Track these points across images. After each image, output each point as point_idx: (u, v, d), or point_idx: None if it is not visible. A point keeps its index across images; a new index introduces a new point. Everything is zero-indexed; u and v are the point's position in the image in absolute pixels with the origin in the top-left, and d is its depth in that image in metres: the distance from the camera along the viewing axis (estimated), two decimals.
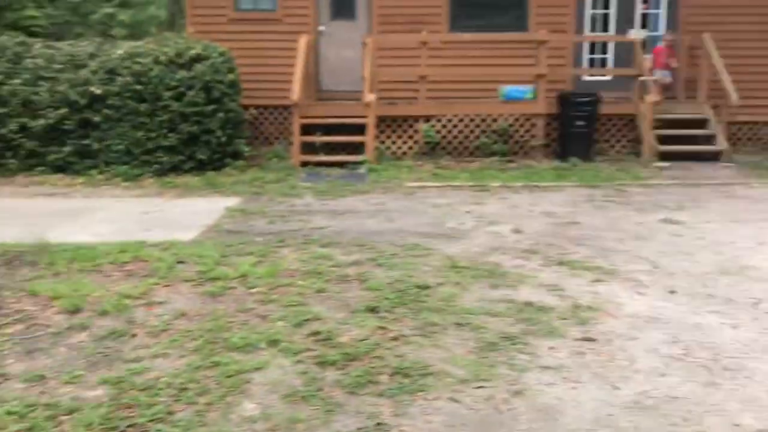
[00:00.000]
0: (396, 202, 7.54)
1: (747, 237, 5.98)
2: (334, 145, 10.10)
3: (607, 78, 11.67)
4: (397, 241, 5.85)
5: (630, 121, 10.68)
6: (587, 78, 11.79)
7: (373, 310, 4.17)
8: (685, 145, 10.46)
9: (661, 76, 11.14)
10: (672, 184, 8.49)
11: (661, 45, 11.17)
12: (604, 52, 11.74)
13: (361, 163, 9.58)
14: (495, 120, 10.51)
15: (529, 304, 4.29)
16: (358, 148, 9.87)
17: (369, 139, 9.87)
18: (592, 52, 11.75)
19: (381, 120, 10.47)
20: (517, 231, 6.27)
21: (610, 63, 11.74)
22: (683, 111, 10.76)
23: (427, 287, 4.57)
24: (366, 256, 5.37)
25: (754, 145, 11.52)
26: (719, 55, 10.91)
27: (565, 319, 4.06)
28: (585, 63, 11.78)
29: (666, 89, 11.21)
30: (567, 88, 11.48)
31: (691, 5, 11.38)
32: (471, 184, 8.55)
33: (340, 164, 9.61)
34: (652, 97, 10.01)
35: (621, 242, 5.85)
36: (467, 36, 11.02)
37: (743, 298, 4.46)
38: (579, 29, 11.59)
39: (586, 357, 3.56)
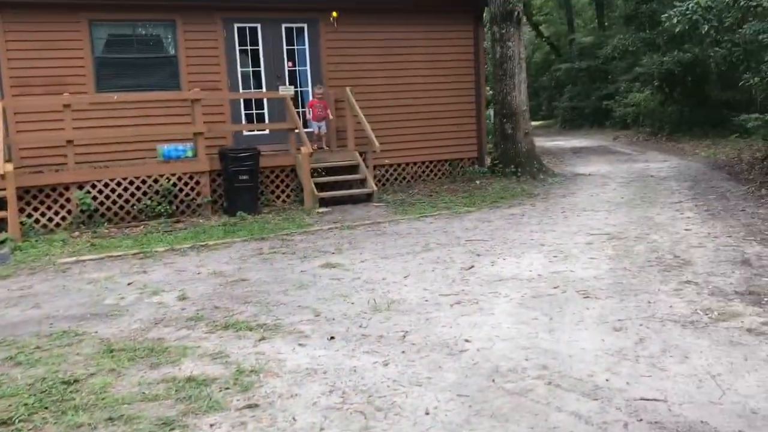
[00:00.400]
0: (45, 284, 6.74)
1: (395, 272, 6.59)
2: None
3: (266, 132, 12.10)
4: (44, 331, 5.18)
5: (291, 171, 11.18)
6: (247, 133, 12.08)
7: (5, 423, 3.57)
8: (340, 190, 11.31)
9: (317, 127, 11.93)
10: (332, 228, 9.05)
11: (314, 99, 11.98)
12: (261, 107, 12.16)
13: (2, 242, 8.42)
14: (157, 181, 10.13)
15: (191, 379, 4.09)
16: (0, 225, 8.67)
17: (11, 214, 8.75)
18: (248, 108, 12.09)
19: (26, 191, 9.38)
20: (182, 298, 6.03)
21: (266, 118, 12.20)
22: (337, 159, 11.63)
23: (75, 381, 4.09)
24: (2, 355, 4.64)
25: (400, 184, 12.95)
26: (360, 106, 12.13)
27: (228, 388, 3.95)
28: (243, 119, 12.05)
29: (319, 139, 12.03)
30: (228, 144, 11.64)
31: (332, 63, 12.43)
32: (134, 251, 8.05)
33: None
34: (307, 148, 10.61)
35: (285, 293, 5.98)
36: (117, 96, 10.52)
37: (393, 332, 4.85)
38: (233, 87, 11.85)
39: (248, 427, 3.49)
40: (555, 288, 5.79)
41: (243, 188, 10.34)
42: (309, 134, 11.92)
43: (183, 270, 7.11)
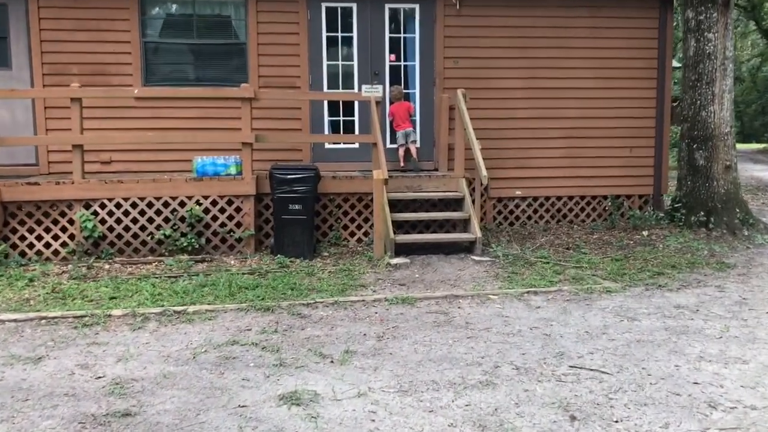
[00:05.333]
0: None
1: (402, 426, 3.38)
2: None
3: (355, 145, 9.24)
4: None
5: (372, 200, 8.19)
6: (331, 146, 9.31)
7: None
8: (432, 234, 8.15)
9: (404, 140, 8.88)
10: (383, 300, 5.94)
11: (395, 102, 8.97)
12: (350, 113, 9.33)
13: None
14: (184, 204, 7.69)
15: None
16: None
17: None
18: (334, 113, 9.31)
19: (19, 207, 7.40)
20: None
21: (357, 127, 9.34)
22: (434, 187, 8.45)
23: None
24: None
25: (534, 225, 9.43)
26: (485, 116, 8.93)
27: None
28: (327, 127, 9.29)
29: (409, 157, 8.97)
30: (306, 159, 8.96)
31: (450, 57, 9.27)
32: (81, 313, 5.57)
33: None
34: (381, 172, 7.57)
35: None
36: (138, 91, 8.27)
37: None
38: (316, 85, 9.14)
39: None
40: None
41: (292, 222, 7.55)
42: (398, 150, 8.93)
43: (84, 366, 4.44)
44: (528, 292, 6.19)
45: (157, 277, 6.80)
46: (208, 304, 5.87)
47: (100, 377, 4.26)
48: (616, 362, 4.42)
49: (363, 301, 5.92)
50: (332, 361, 4.48)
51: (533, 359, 4.48)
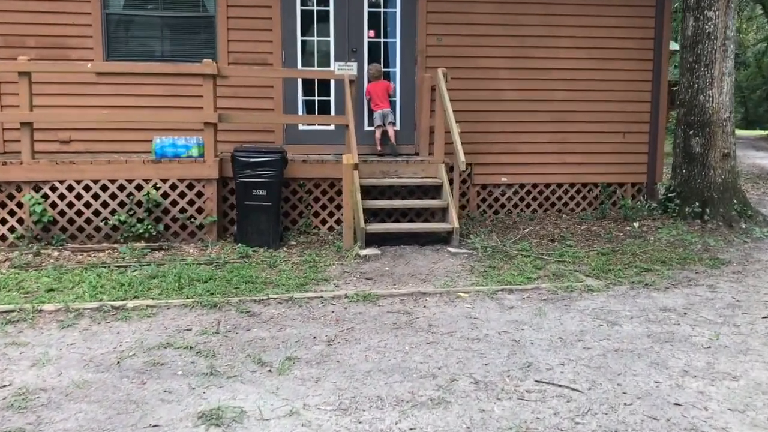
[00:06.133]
0: None
1: None
2: None
3: (331, 127, 8.69)
4: None
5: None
6: (305, 128, 8.76)
7: None
8: (407, 223, 7.65)
9: (381, 121, 8.35)
10: (342, 297, 5.44)
11: (372, 81, 8.44)
12: (326, 93, 8.78)
13: None
14: (141, 188, 7.17)
15: None
16: None
17: None
18: (309, 92, 8.75)
19: None
20: None
21: (332, 107, 8.79)
22: (411, 173, 7.92)
23: None
24: None
25: (520, 215, 8.91)
26: (470, 97, 8.43)
27: None
28: (300, 107, 8.74)
29: (386, 140, 8.44)
30: (278, 142, 8.44)
31: (433, 34, 8.69)
32: (6, 308, 5.08)
33: None
34: (350, 156, 7.04)
35: None
36: (91, 65, 7.74)
37: None
38: (290, 61, 8.59)
39: None
40: None
41: (256, 209, 7.04)
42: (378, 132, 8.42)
43: None
44: (502, 290, 5.68)
45: (105, 267, 6.30)
46: (152, 298, 5.38)
47: (4, 386, 3.78)
48: (588, 376, 3.92)
49: (321, 298, 5.42)
50: (270, 370, 3.99)
51: (496, 371, 3.99)
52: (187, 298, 5.38)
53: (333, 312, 5.10)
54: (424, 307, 5.26)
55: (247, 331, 4.66)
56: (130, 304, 5.19)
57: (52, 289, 5.58)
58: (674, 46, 15.51)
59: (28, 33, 8.07)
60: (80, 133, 8.20)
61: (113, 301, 5.25)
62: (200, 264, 6.44)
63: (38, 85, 7.79)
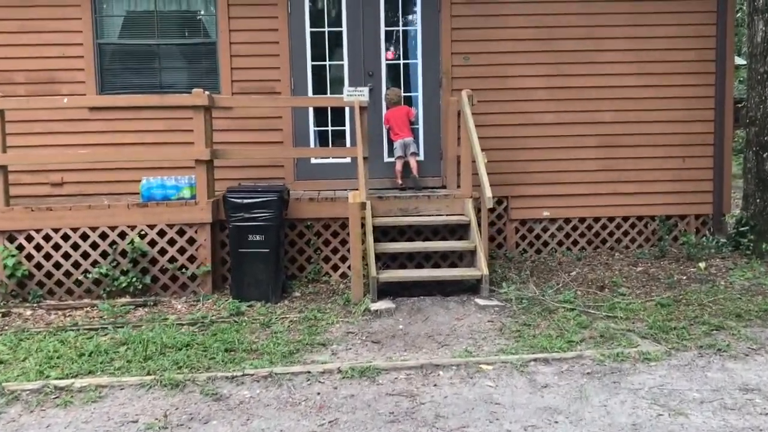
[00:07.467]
0: None
1: None
2: None
3: (347, 160, 7.77)
4: None
5: (362, 226, 6.68)
6: (317, 161, 7.88)
7: None
8: (430, 270, 6.63)
9: (402, 151, 7.40)
10: (332, 374, 4.43)
11: (391, 107, 7.52)
12: (341, 122, 7.88)
13: None
14: (125, 235, 6.36)
15: None
16: None
17: None
18: (322, 123, 7.87)
19: None
20: None
21: (347, 137, 7.88)
22: (436, 210, 6.90)
23: None
24: None
25: (565, 254, 7.76)
26: (501, 122, 7.51)
27: None
28: (312, 138, 7.86)
29: (408, 172, 7.48)
30: (288, 179, 7.58)
31: (458, 53, 7.74)
32: None
33: None
34: (357, 194, 6.08)
35: None
36: (68, 100, 7.06)
37: None
38: (299, 89, 7.75)
39: None
40: None
41: (252, 256, 6.14)
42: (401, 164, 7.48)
43: None
44: (536, 360, 4.58)
45: (74, 330, 5.47)
46: (109, 374, 4.49)
47: None
48: None
49: (308, 373, 4.42)
50: None
51: None
52: (149, 374, 4.46)
53: (319, 394, 4.10)
54: (435, 386, 4.20)
55: (204, 425, 3.70)
56: (79, 383, 4.31)
57: (0, 362, 4.76)
58: (737, 60, 14.11)
59: (15, 68, 7.46)
60: (73, 174, 7.50)
61: (61, 379, 4.38)
62: (182, 324, 5.55)
63: (24, 123, 7.17)
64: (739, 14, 12.93)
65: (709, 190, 8.01)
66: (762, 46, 7.33)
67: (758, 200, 7.50)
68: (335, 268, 6.96)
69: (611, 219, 8.02)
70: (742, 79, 15.35)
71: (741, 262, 7.22)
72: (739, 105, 13.12)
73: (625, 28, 7.79)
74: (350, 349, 4.95)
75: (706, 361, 4.52)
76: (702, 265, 7.07)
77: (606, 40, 7.78)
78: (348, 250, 6.89)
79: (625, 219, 8.04)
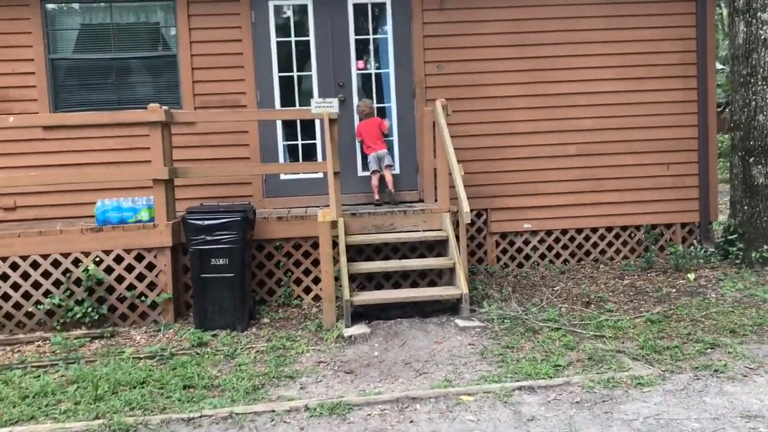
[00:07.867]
0: None
1: None
2: None
3: (319, 175, 7.40)
4: None
5: (334, 245, 6.29)
6: (286, 176, 7.50)
7: None
8: (406, 290, 6.27)
9: (377, 165, 7.06)
10: (299, 411, 4.04)
11: (363, 119, 7.19)
12: (311, 136, 7.52)
13: None
14: (79, 263, 5.94)
15: None
16: None
17: None
18: (291, 136, 7.50)
19: None
20: None
21: (319, 152, 7.52)
22: (412, 225, 6.54)
23: None
24: None
25: (548, 267, 7.44)
26: (479, 132, 7.22)
27: None
28: (281, 153, 7.49)
29: (383, 186, 7.12)
30: (256, 196, 7.20)
31: (432, 61, 7.41)
32: None
33: None
34: (326, 212, 5.71)
35: None
36: (13, 119, 6.65)
37: None
38: (265, 101, 7.38)
39: None
40: None
41: (216, 282, 5.73)
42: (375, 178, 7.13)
43: None
44: (520, 389, 4.22)
45: (21, 368, 5.03)
46: (53, 418, 4.07)
47: None
48: None
49: (273, 411, 4.03)
50: None
51: None
52: (97, 417, 4.05)
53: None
54: (411, 422, 3.82)
55: None
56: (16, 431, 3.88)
57: None
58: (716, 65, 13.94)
59: None
60: (26, 197, 7.07)
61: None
62: (140, 358, 5.13)
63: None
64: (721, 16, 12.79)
65: (695, 197, 7.74)
66: (744, 47, 7.10)
67: (746, 207, 7.23)
68: (307, 290, 6.57)
69: (594, 230, 7.72)
70: (720, 83, 15.21)
71: (731, 272, 6.93)
72: (719, 110, 12.97)
73: (603, 32, 7.54)
74: (320, 381, 4.57)
75: (702, 385, 4.19)
76: (691, 276, 6.78)
77: (584, 45, 7.51)
78: (320, 271, 6.51)
79: (609, 229, 7.74)
